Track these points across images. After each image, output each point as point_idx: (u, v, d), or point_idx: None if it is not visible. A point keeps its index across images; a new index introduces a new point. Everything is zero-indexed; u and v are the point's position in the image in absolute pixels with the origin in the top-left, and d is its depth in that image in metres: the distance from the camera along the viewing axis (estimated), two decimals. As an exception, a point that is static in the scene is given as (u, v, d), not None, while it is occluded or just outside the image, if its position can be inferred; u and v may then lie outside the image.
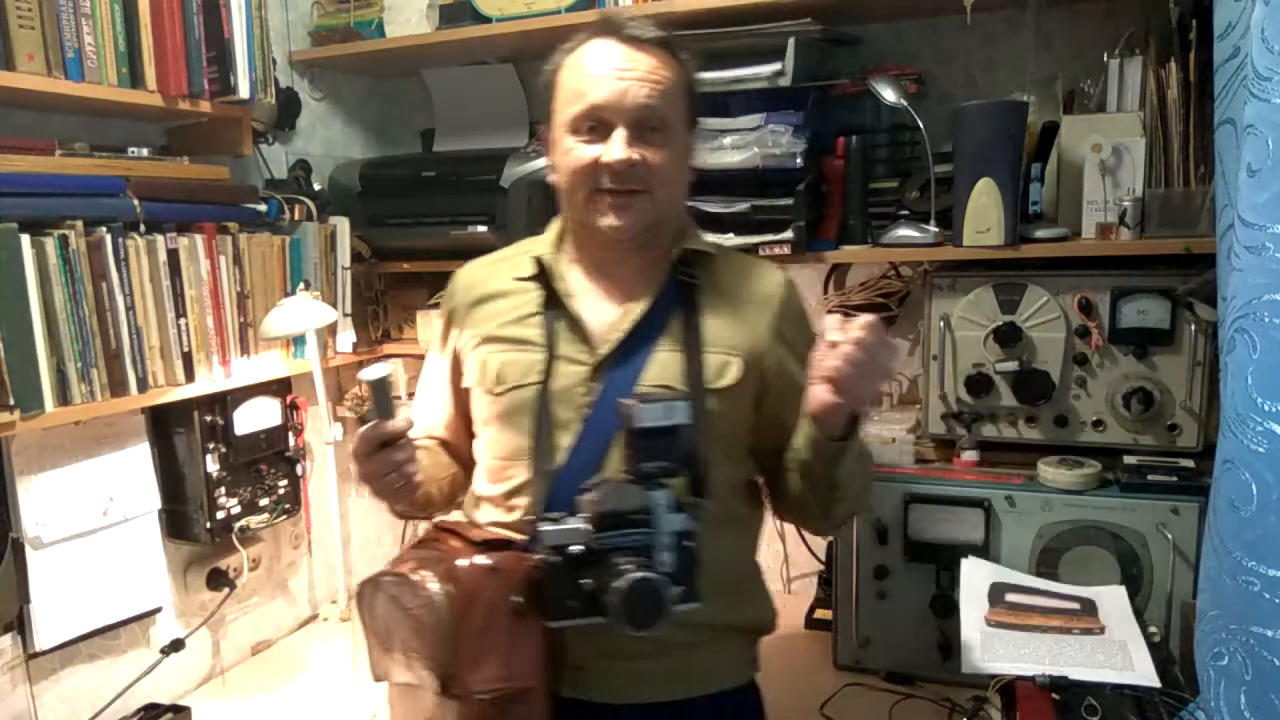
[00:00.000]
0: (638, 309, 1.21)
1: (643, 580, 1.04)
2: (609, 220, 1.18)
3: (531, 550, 1.13)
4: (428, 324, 2.07)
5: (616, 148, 1.15)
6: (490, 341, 1.26)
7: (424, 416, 1.39)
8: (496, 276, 1.30)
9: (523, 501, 1.21)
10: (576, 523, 1.09)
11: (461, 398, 1.33)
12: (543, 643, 1.14)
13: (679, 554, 1.09)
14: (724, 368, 1.20)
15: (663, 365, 1.19)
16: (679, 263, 1.24)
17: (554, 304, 1.23)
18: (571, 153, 1.19)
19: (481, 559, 1.14)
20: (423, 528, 1.35)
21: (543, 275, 1.25)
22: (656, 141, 1.17)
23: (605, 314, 1.22)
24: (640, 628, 1.05)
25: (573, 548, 1.08)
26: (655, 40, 1.20)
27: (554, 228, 1.31)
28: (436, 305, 2.07)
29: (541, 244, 1.29)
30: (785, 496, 1.26)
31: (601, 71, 1.17)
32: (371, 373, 1.12)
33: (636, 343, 1.20)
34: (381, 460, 1.14)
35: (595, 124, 1.17)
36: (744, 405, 1.23)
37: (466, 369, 1.29)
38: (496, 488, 1.25)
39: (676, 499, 1.10)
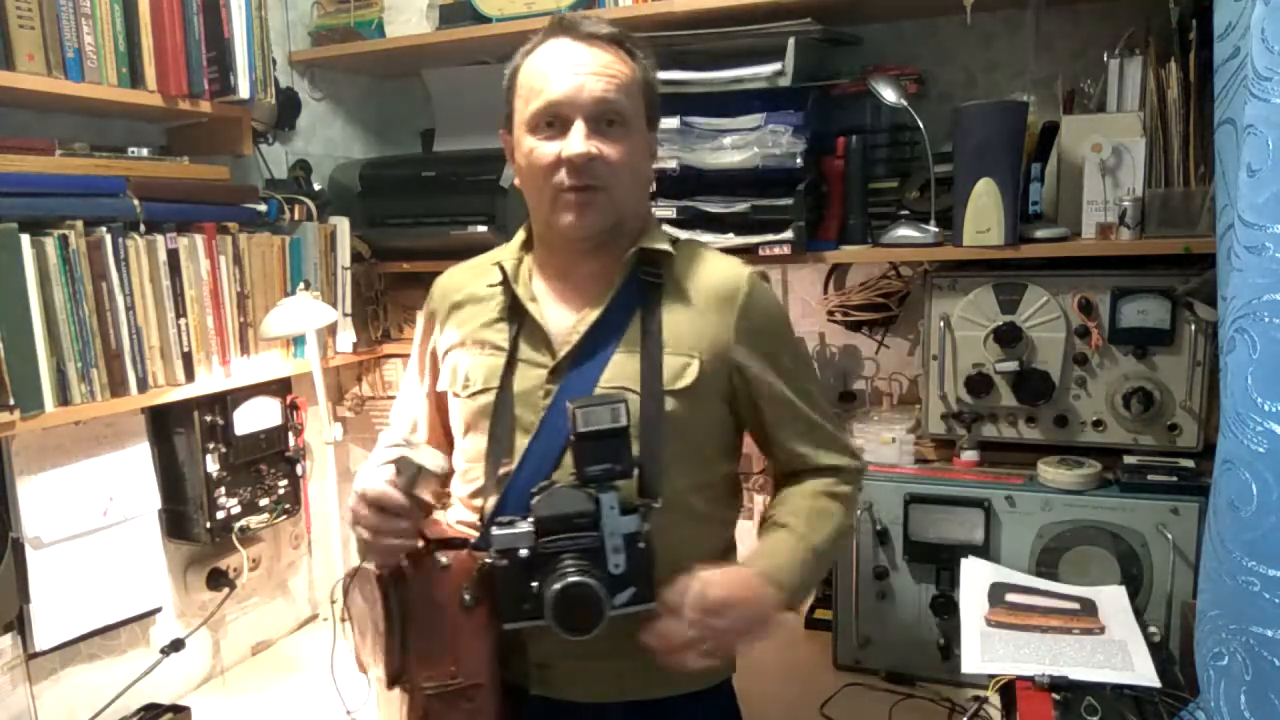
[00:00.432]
0: (595, 311, 1.20)
1: (575, 585, 1.06)
2: (569, 218, 1.18)
3: (482, 550, 1.15)
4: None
5: (575, 141, 1.15)
6: (461, 346, 1.27)
7: (403, 423, 1.40)
8: (470, 283, 1.31)
9: (482, 503, 1.21)
10: (525, 526, 1.10)
11: (441, 404, 1.33)
12: (493, 640, 1.15)
13: (630, 555, 1.10)
14: (683, 369, 1.19)
15: (619, 367, 1.19)
16: (642, 261, 1.23)
17: (518, 308, 1.24)
18: (533, 152, 1.18)
19: (434, 558, 1.16)
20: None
21: (508, 280, 1.26)
22: (615, 135, 1.17)
23: (566, 317, 1.23)
24: (574, 632, 1.06)
25: (521, 551, 1.09)
26: (610, 37, 1.19)
27: (520, 233, 1.32)
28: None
29: (508, 250, 1.30)
30: None
31: (558, 68, 1.17)
32: (425, 460, 1.13)
33: (595, 345, 1.20)
34: (383, 522, 1.14)
35: (554, 120, 1.17)
36: (708, 405, 1.22)
37: (442, 373, 1.30)
38: (465, 488, 1.27)
39: (624, 501, 1.10)
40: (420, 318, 1.39)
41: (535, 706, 1.20)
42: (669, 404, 1.18)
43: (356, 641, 1.25)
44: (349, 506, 1.19)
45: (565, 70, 1.16)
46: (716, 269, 1.26)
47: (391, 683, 1.16)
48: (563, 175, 1.16)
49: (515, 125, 1.22)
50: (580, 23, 1.20)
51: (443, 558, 1.15)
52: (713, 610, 1.07)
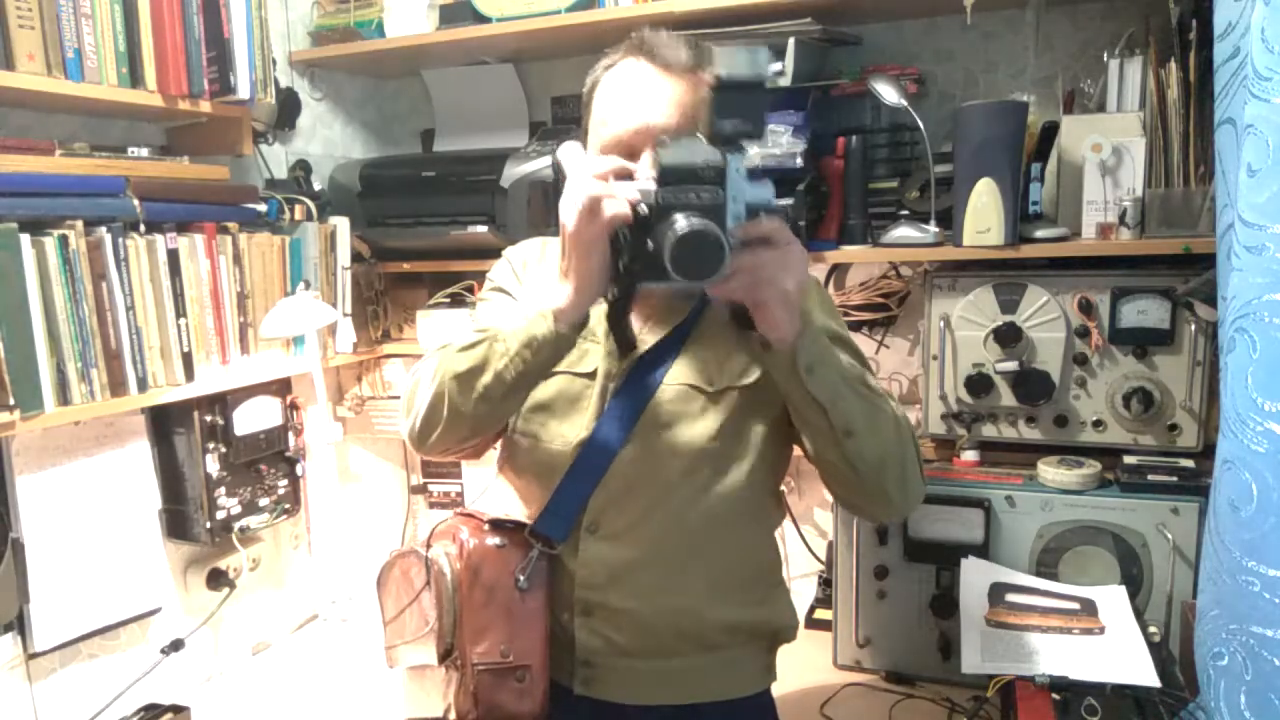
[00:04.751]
0: (667, 326, 1.21)
1: (701, 228, 0.96)
2: None
3: (539, 536, 1.17)
4: (428, 324, 2.07)
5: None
6: None
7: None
8: (549, 261, 1.31)
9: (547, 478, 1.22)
10: (646, 183, 1.02)
11: None
12: (545, 624, 1.18)
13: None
14: (749, 364, 1.20)
15: (690, 360, 1.21)
16: None
17: None
18: None
19: (491, 538, 1.18)
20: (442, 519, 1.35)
21: None
22: None
23: (643, 314, 1.23)
24: (692, 275, 0.97)
25: (640, 206, 1.01)
26: (687, 66, 1.18)
27: None
28: (437, 305, 2.08)
29: None
30: (822, 473, 1.22)
31: (629, 100, 1.17)
32: None
33: (671, 340, 1.21)
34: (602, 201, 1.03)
35: (625, 153, 1.16)
36: (773, 402, 1.22)
37: None
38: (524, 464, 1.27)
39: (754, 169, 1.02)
40: (501, 271, 1.35)
41: (578, 707, 1.21)
42: (738, 399, 1.20)
43: (389, 629, 1.26)
44: (564, 224, 1.05)
45: (637, 104, 1.16)
46: None
47: (441, 659, 1.18)
48: None
49: (589, 143, 1.22)
50: (659, 48, 1.18)
51: (498, 538, 1.18)
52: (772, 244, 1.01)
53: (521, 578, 1.16)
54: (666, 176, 1.00)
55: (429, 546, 1.21)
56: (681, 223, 0.97)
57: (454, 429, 1.18)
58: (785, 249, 1.02)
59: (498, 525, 1.20)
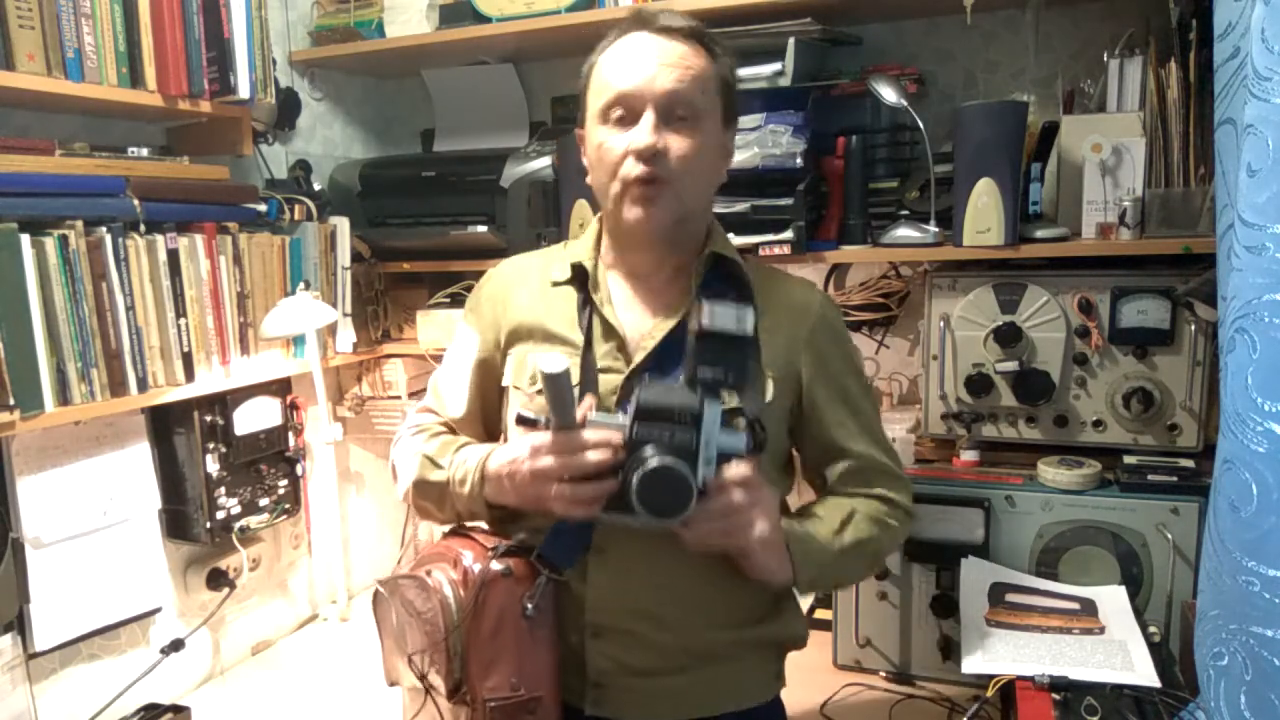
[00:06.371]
0: (673, 321, 1.19)
1: (665, 467, 1.00)
2: (636, 212, 1.16)
3: (545, 562, 1.15)
4: (428, 324, 2.07)
5: (643, 131, 1.13)
6: (530, 341, 1.25)
7: (446, 406, 1.36)
8: (534, 276, 1.30)
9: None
10: (622, 418, 1.06)
11: (484, 393, 1.31)
12: (554, 652, 1.15)
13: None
14: (761, 386, 1.19)
15: None
16: (713, 268, 1.23)
17: (591, 310, 1.23)
18: (603, 145, 1.17)
19: (495, 565, 1.13)
20: (439, 532, 1.34)
21: (580, 279, 1.24)
22: (685, 130, 1.15)
23: (641, 322, 1.21)
24: (658, 513, 1.02)
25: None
26: (687, 31, 1.18)
27: (592, 231, 1.29)
28: (437, 305, 2.08)
29: (579, 248, 1.28)
30: None
31: (631, 60, 1.16)
32: (550, 365, 1.02)
33: (671, 353, 1.18)
34: (581, 460, 1.07)
35: (624, 111, 1.15)
36: (780, 423, 1.23)
37: (507, 366, 1.28)
38: None
39: (732, 420, 1.06)
40: (476, 303, 1.35)
41: None
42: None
43: (387, 654, 1.24)
44: (524, 472, 1.11)
45: (638, 62, 1.15)
46: (791, 287, 1.28)
47: (452, 693, 1.14)
48: (630, 167, 1.15)
49: (588, 119, 1.21)
50: (656, 16, 1.18)
51: (503, 564, 1.13)
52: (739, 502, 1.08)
53: (529, 605, 1.12)
54: (642, 413, 1.04)
55: (428, 572, 1.16)
56: (653, 460, 1.01)
57: (434, 522, 1.31)
58: (756, 493, 1.08)
59: (502, 550, 1.16)
